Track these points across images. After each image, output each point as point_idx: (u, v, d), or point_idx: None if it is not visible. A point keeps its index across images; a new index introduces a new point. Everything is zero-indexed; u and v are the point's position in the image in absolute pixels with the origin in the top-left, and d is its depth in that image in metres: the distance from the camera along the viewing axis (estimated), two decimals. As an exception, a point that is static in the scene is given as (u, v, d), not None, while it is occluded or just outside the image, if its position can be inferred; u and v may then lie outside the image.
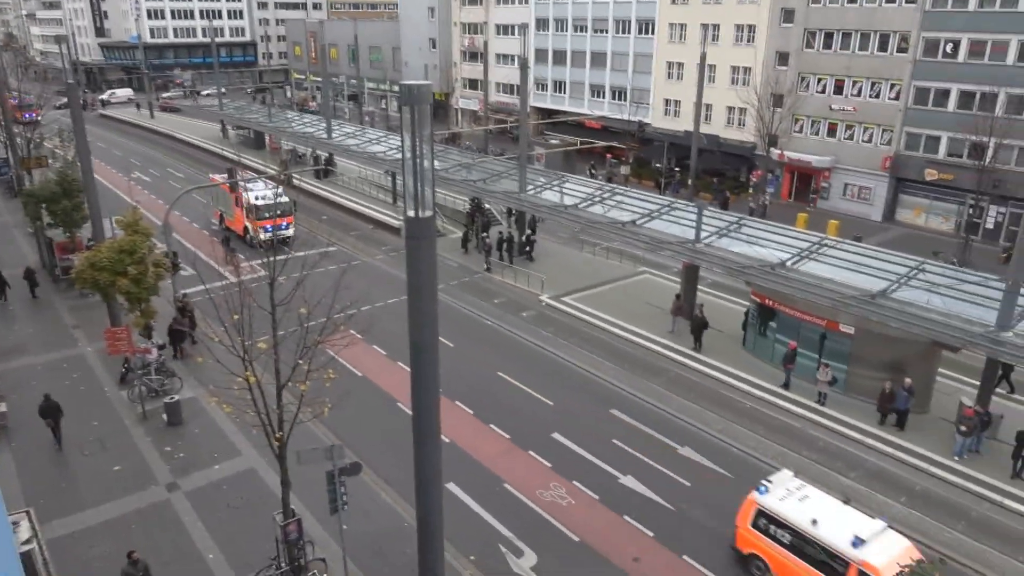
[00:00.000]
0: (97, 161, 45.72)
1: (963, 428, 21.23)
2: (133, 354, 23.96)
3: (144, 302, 25.17)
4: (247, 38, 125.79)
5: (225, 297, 14.29)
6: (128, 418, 23.29)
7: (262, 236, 37.61)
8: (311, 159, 58.38)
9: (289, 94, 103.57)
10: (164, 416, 22.94)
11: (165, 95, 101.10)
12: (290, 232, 39.30)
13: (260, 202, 38.99)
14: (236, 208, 40.69)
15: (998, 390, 24.56)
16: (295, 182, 44.69)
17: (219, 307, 14.31)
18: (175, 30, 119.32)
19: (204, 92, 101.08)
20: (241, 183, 39.46)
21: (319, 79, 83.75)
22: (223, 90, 72.48)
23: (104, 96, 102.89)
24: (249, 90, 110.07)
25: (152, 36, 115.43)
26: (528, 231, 38.94)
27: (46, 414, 21.59)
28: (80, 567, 16.93)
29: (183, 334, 27.31)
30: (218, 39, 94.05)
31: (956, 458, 21.40)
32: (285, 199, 40.04)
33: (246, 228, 39.75)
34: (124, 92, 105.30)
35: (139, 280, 24.25)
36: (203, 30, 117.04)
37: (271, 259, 14.40)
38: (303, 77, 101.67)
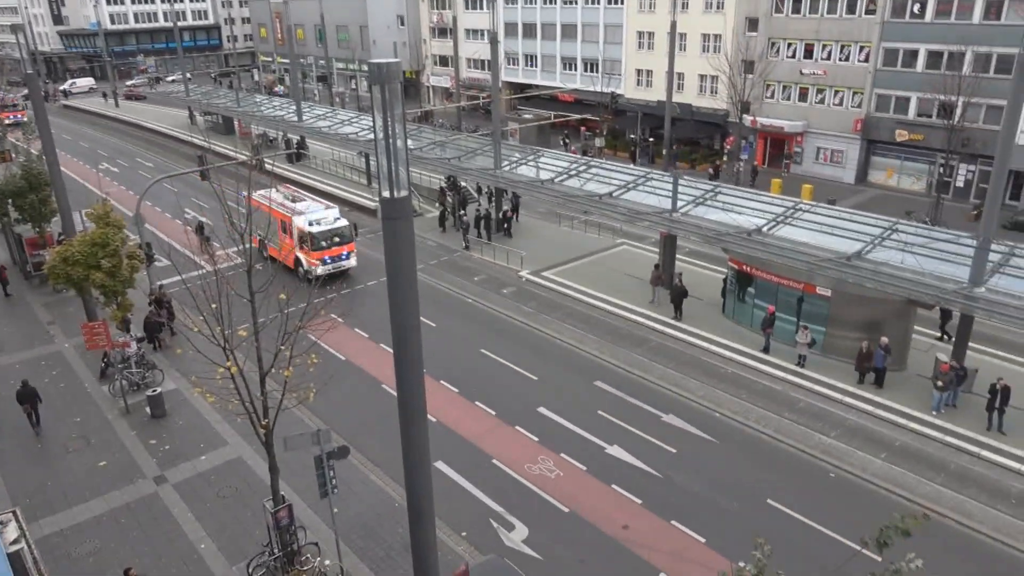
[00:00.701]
0: (63, 153, 44.81)
1: (940, 383, 21.67)
2: (112, 348, 23.71)
3: (120, 295, 24.88)
4: (210, 21, 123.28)
5: (202, 286, 14.15)
6: (111, 413, 23.11)
7: (319, 271, 31.33)
8: (282, 143, 57.64)
9: (256, 77, 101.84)
10: (147, 409, 22.79)
11: (129, 83, 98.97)
12: (352, 263, 33.33)
13: (315, 228, 32.02)
14: (284, 236, 33.66)
15: (941, 340, 25.88)
16: (267, 167, 43.60)
17: (197, 297, 14.17)
18: (136, 15, 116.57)
19: (169, 78, 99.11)
20: (287, 204, 33.70)
21: (287, 61, 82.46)
22: (189, 76, 71.04)
23: (65, 86, 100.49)
24: (213, 75, 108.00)
25: (112, 22, 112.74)
26: (505, 208, 38.82)
27: (23, 399, 21.66)
28: (71, 564, 16.87)
29: (160, 325, 27.06)
30: (180, 23, 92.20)
31: (934, 413, 21.87)
32: (344, 222, 33.20)
33: (297, 261, 32.92)
34: (85, 81, 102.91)
35: (114, 273, 23.96)
36: (164, 14, 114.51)
37: (247, 247, 14.24)
38: (270, 59, 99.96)
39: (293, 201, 34.16)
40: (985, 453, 20.17)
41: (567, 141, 58.67)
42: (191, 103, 68.27)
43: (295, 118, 51.09)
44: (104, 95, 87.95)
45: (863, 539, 6.57)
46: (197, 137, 57.86)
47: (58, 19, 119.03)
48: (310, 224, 32.02)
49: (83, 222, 28.79)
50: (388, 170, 8.44)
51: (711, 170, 48.59)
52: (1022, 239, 31.77)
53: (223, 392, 14.61)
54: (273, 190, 34.30)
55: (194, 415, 22.84)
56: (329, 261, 32.24)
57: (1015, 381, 21.29)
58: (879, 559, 6.61)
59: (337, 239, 32.56)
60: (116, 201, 41.30)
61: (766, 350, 25.65)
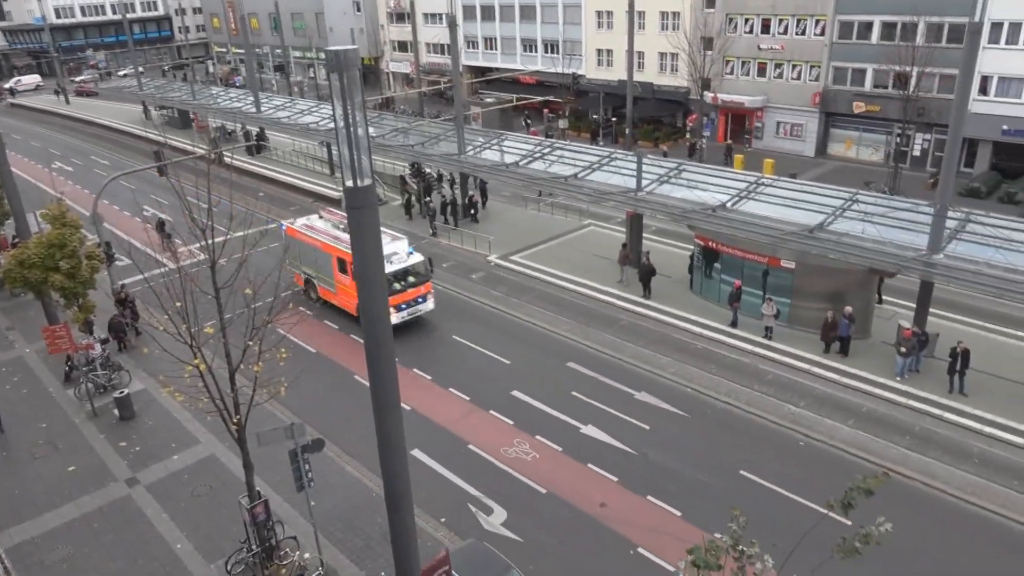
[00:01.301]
0: (13, 153, 43.61)
1: (903, 349, 22.19)
2: (75, 351, 23.23)
3: (81, 297, 24.36)
4: (160, 12, 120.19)
5: (166, 284, 13.91)
6: (77, 416, 22.67)
7: (394, 319, 24.85)
8: (241, 136, 56.65)
9: (211, 69, 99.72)
10: (115, 411, 22.40)
11: (79, 79, 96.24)
12: (430, 306, 27.31)
13: (386, 268, 24.09)
14: (342, 276, 27.15)
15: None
16: (226, 160, 42.73)
17: (160, 295, 13.93)
18: (82, 8, 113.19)
19: (120, 72, 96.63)
20: (342, 236, 27.08)
21: (242, 51, 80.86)
22: (141, 69, 69.33)
23: (10, 84, 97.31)
24: (166, 67, 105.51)
25: (58, 16, 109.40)
26: (471, 193, 38.68)
27: None
28: (44, 572, 16.59)
29: (125, 326, 26.56)
30: (129, 15, 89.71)
31: (898, 378, 22.41)
32: (419, 257, 27.12)
33: None
34: (31, 79, 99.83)
35: (73, 274, 23.43)
36: (113, 7, 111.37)
37: (209, 242, 14.01)
38: (225, 50, 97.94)
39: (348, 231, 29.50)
40: (948, 415, 20.74)
41: (528, 122, 58.78)
42: (145, 97, 66.67)
43: (253, 109, 50.21)
44: (56, 92, 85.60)
45: (829, 502, 6.74)
46: (153, 132, 56.73)
47: (0, 15, 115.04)
48: None
49: (38, 223, 28.04)
50: (350, 159, 8.36)
51: (665, 149, 48.68)
52: (977, 205, 32.63)
53: (192, 390, 14.43)
54: (315, 216, 30.14)
55: (164, 415, 22.51)
56: (404, 307, 26.14)
57: (974, 344, 21.91)
58: (848, 522, 6.78)
59: (412, 279, 26.51)
60: (72, 201, 40.30)
61: (734, 324, 26.01)
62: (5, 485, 19.61)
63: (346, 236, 26.16)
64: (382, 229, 26.99)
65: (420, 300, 26.85)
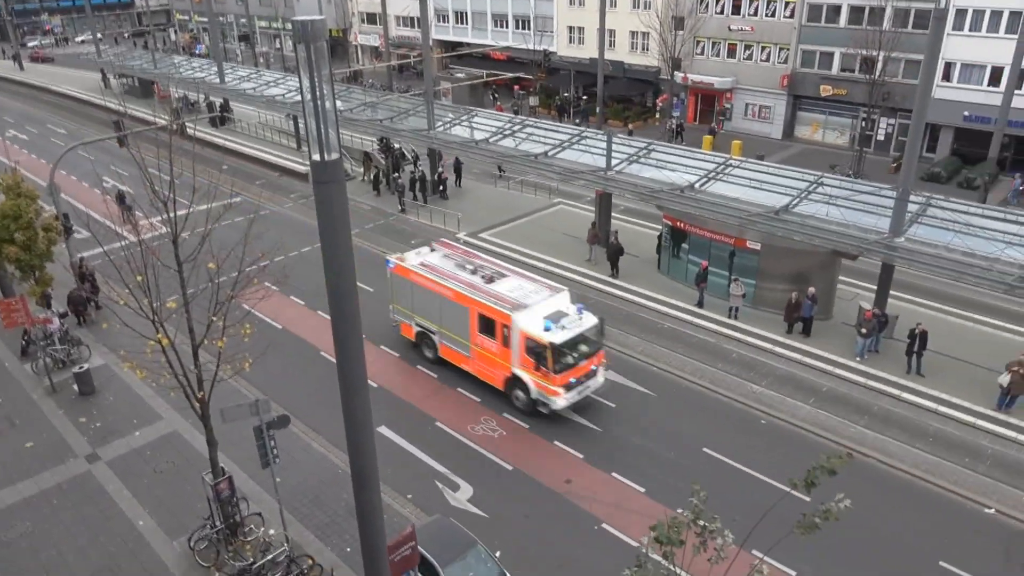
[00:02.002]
0: (-35, 120, 42.08)
1: (863, 330, 22.66)
2: (32, 325, 22.66)
3: (38, 269, 23.74)
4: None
5: (127, 258, 13.59)
6: (35, 392, 22.18)
7: (561, 403, 19.79)
8: (204, 106, 55.38)
9: (173, 36, 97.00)
10: (74, 386, 21.95)
11: (32, 44, 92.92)
12: (600, 381, 20.87)
13: (558, 336, 19.28)
14: (482, 337, 21.11)
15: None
16: (189, 131, 41.64)
17: (121, 269, 13.60)
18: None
19: (79, 39, 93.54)
20: (478, 285, 21.46)
21: (205, 19, 78.78)
22: (100, 36, 67.15)
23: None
24: (127, 35, 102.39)
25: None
26: (440, 169, 38.36)
27: None
28: (2, 548, 16.29)
29: (86, 300, 25.96)
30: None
31: (858, 359, 22.89)
32: (592, 319, 20.53)
33: (515, 381, 20.62)
34: None
35: (29, 247, 22.82)
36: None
37: (171, 215, 13.70)
38: (187, 18, 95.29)
39: (488, 281, 21.68)
40: (905, 395, 21.27)
41: (495, 96, 58.44)
42: (104, 65, 64.69)
43: (217, 80, 49.03)
44: (13, 58, 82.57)
45: (792, 481, 6.86)
46: (112, 101, 55.09)
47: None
48: (548, 329, 19.44)
49: (-8, 194, 27.18)
50: (317, 132, 8.20)
51: (631, 129, 48.66)
52: (937, 190, 33.28)
53: (155, 366, 14.19)
54: (427, 250, 24.11)
55: (125, 391, 22.12)
56: (575, 385, 19.96)
57: (932, 326, 22.43)
58: (808, 499, 6.92)
59: (584, 347, 20.23)
60: (27, 170, 39.09)
61: (700, 304, 26.29)
62: (-41, 462, 19.16)
63: (489, 286, 21.40)
64: (534, 278, 23.00)
65: (593, 373, 20.55)
